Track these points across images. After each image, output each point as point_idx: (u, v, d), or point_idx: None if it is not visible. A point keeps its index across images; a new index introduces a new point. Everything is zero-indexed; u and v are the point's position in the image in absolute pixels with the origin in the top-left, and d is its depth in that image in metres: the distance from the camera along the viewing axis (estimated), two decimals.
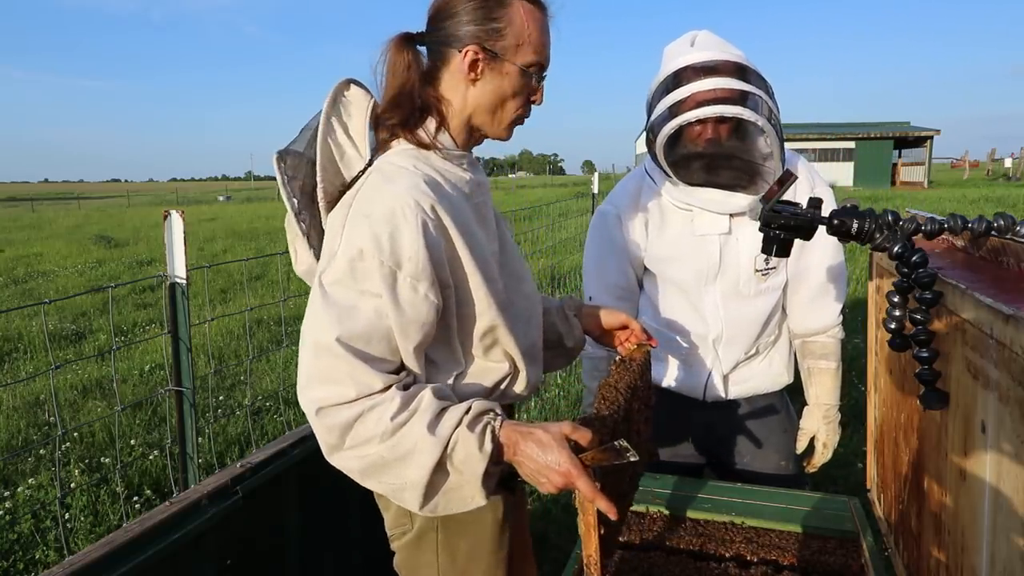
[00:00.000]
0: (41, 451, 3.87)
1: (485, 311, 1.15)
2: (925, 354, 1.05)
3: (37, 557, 2.89)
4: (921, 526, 1.26)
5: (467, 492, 1.05)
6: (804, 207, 1.13)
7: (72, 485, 3.49)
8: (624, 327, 1.46)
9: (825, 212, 1.12)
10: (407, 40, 1.16)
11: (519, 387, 1.27)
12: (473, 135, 1.22)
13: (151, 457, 3.67)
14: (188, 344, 1.97)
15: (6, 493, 3.37)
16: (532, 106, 1.23)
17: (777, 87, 1.66)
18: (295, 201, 1.16)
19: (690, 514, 1.68)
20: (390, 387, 1.04)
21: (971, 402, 0.97)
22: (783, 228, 1.14)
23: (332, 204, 1.15)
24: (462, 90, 1.16)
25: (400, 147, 1.16)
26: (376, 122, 1.18)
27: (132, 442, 3.94)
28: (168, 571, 1.31)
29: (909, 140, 37.76)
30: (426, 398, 1.04)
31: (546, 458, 1.00)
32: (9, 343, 6.47)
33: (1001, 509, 0.87)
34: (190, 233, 5.80)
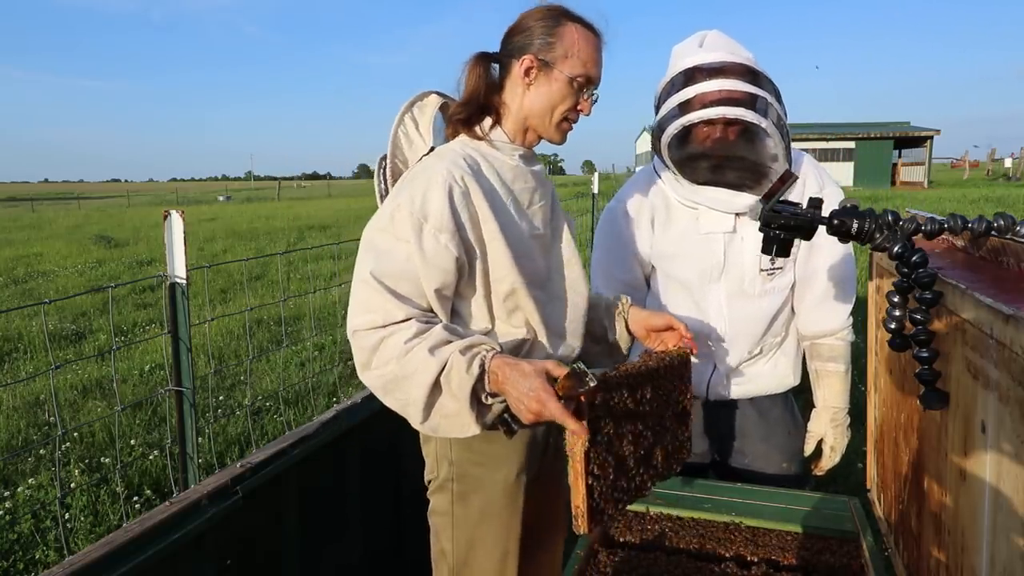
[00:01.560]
0: (41, 451, 3.86)
1: (505, 275, 1.31)
2: (925, 354, 1.05)
3: (37, 557, 2.89)
4: (921, 526, 1.26)
5: (464, 419, 1.22)
6: (804, 207, 1.13)
7: (72, 485, 3.49)
8: (669, 328, 1.52)
9: (826, 212, 1.12)
10: (483, 57, 1.38)
11: (537, 356, 1.39)
12: (527, 134, 1.41)
13: (151, 457, 3.67)
14: (188, 344, 1.97)
15: (6, 493, 3.37)
16: (579, 115, 1.40)
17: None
18: (382, 187, 1.43)
19: (690, 514, 1.68)
20: (411, 319, 1.23)
21: (971, 402, 0.96)
22: (783, 228, 1.14)
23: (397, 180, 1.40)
24: (519, 94, 1.36)
25: (459, 138, 1.39)
26: (448, 118, 1.40)
27: (132, 442, 3.94)
28: (168, 571, 1.31)
29: (909, 140, 37.76)
30: (436, 329, 1.23)
31: (525, 385, 1.14)
32: (9, 343, 6.47)
33: (1001, 509, 0.87)
34: (190, 233, 5.80)
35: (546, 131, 1.39)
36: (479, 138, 1.38)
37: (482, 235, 1.29)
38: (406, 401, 1.23)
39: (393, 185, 1.39)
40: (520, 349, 1.37)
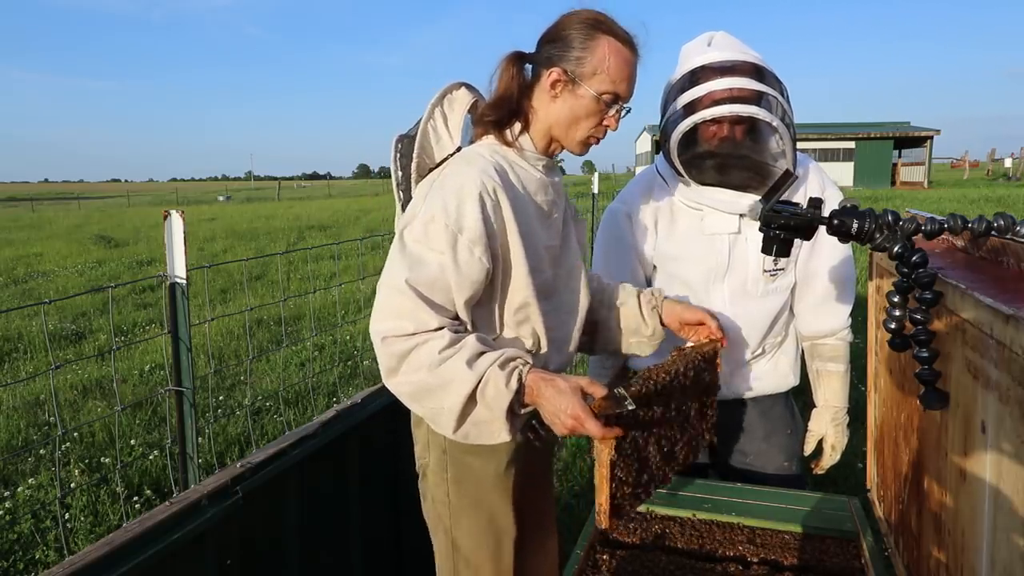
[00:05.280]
0: (41, 451, 3.86)
1: (520, 288, 1.32)
2: (925, 354, 1.05)
3: (37, 557, 2.89)
4: (921, 526, 1.26)
5: (495, 427, 1.25)
6: (804, 207, 1.13)
7: (72, 485, 3.49)
8: (701, 323, 1.55)
9: (826, 212, 1.12)
10: (517, 58, 1.35)
11: (536, 366, 1.39)
12: (551, 144, 1.40)
13: (151, 457, 3.67)
14: (188, 344, 1.97)
15: (6, 493, 3.37)
16: (607, 130, 1.38)
17: None
18: (399, 174, 1.41)
19: (690, 514, 1.68)
20: (443, 328, 1.24)
21: (971, 402, 0.96)
22: (783, 228, 1.14)
23: (422, 177, 1.38)
24: (546, 104, 1.35)
25: (487, 141, 1.37)
26: (478, 118, 1.38)
27: (132, 442, 3.94)
28: (168, 571, 1.31)
29: (909, 140, 37.76)
30: (470, 340, 1.24)
31: (561, 402, 1.17)
32: (9, 343, 6.47)
33: (1001, 509, 0.87)
34: (190, 233, 5.80)
35: (569, 144, 1.38)
36: (508, 143, 1.36)
37: (507, 247, 1.30)
38: (438, 409, 1.25)
39: (417, 181, 1.38)
40: None
